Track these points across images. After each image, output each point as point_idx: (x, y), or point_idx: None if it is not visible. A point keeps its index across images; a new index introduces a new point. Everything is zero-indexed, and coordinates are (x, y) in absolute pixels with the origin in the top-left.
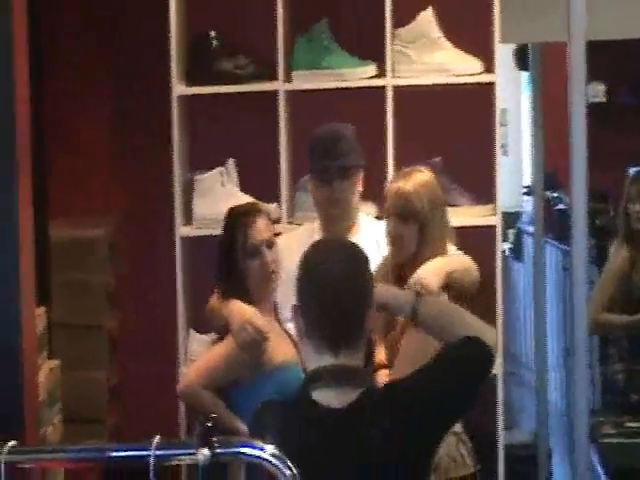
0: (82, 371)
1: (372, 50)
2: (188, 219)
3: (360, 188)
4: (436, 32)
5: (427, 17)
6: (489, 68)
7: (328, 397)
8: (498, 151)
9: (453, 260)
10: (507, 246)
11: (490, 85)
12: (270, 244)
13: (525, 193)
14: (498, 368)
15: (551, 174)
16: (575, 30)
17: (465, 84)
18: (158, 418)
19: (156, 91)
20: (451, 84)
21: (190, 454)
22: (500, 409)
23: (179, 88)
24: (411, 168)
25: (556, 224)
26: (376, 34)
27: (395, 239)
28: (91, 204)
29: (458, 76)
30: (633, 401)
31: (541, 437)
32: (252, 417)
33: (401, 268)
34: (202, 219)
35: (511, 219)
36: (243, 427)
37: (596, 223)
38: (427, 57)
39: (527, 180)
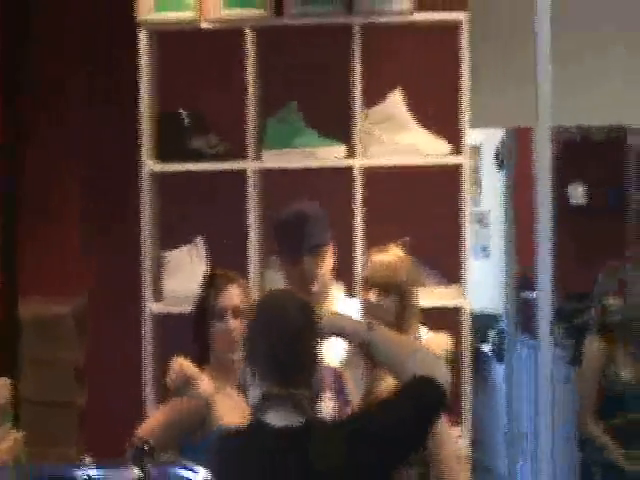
0: (50, 447)
1: (341, 130)
2: (158, 296)
3: (331, 264)
4: (405, 113)
5: (396, 98)
6: (458, 150)
7: (278, 418)
8: (467, 234)
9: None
10: (488, 347)
11: (458, 167)
12: (237, 313)
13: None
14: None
15: (533, 274)
16: (541, 115)
17: (433, 165)
18: None
19: (127, 168)
20: (419, 165)
21: (121, 474)
22: None
23: (150, 165)
24: (387, 245)
25: (536, 325)
26: (346, 114)
27: (375, 309)
28: (61, 281)
29: (427, 157)
30: None
31: None
32: (208, 449)
33: None
34: (172, 296)
35: (492, 321)
36: None
37: (574, 323)
38: (396, 138)
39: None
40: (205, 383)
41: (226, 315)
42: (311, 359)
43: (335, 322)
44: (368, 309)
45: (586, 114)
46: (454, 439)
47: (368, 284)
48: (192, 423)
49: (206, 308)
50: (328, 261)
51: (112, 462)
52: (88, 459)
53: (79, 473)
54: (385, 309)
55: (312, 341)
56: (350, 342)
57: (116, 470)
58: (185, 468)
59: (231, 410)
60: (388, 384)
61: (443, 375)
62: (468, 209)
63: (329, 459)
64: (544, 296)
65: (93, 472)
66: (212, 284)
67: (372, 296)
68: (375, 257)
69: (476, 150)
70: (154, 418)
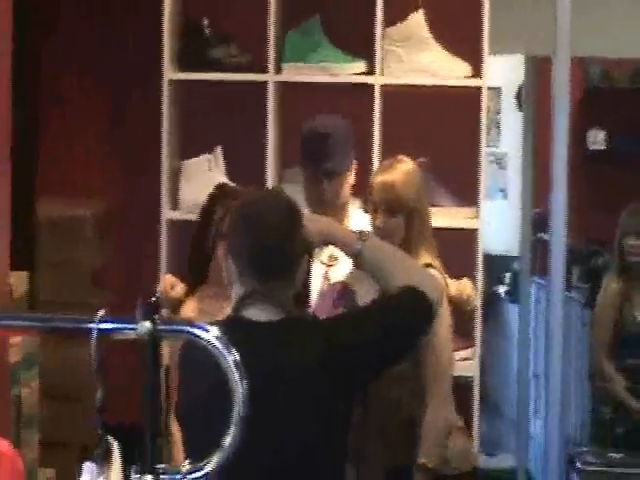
0: (66, 348)
1: (362, 47)
2: (175, 204)
3: (351, 182)
4: (426, 33)
5: (418, 18)
6: (477, 73)
7: (257, 314)
8: (484, 155)
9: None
10: (503, 289)
11: (478, 89)
12: None
13: None
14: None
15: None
16: (560, 43)
17: (453, 87)
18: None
19: (149, 76)
20: (439, 86)
21: (132, 328)
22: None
23: (170, 73)
24: (392, 159)
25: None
26: (367, 32)
27: (383, 232)
28: (81, 184)
29: (446, 78)
30: (618, 434)
31: (521, 463)
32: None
33: None
34: (188, 204)
35: (508, 262)
36: None
37: (591, 266)
38: (416, 57)
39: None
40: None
41: None
42: (293, 256)
43: (325, 229)
44: (376, 232)
45: (609, 46)
46: (450, 353)
47: (373, 207)
48: None
49: (212, 224)
50: (347, 185)
51: (122, 318)
52: (100, 313)
53: (91, 326)
54: (392, 231)
55: (294, 238)
56: (341, 251)
57: (127, 324)
58: (196, 326)
59: None
60: None
61: (432, 287)
62: (485, 133)
63: (305, 355)
64: (557, 237)
65: (104, 325)
66: (221, 201)
67: (378, 219)
68: (376, 179)
69: (497, 92)
70: None
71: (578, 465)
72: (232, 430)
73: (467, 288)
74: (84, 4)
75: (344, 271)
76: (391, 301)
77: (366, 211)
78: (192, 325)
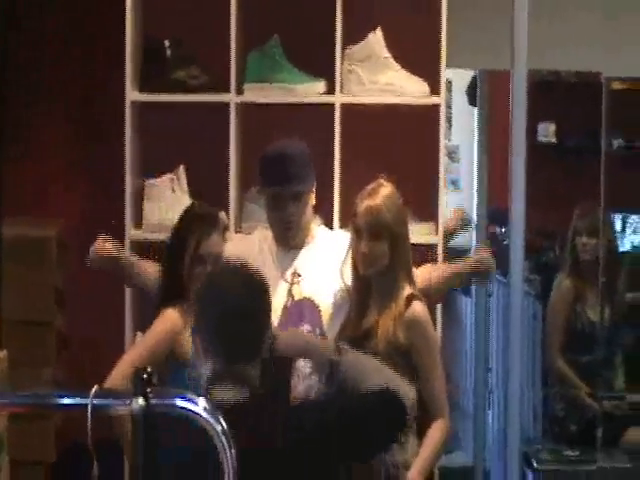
0: (30, 368)
1: (322, 67)
2: (138, 223)
3: (313, 202)
4: (385, 53)
5: (376, 38)
6: (436, 90)
7: (225, 394)
8: (442, 172)
9: None
10: None
11: (436, 107)
12: (217, 259)
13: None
14: None
15: (501, 210)
16: (518, 58)
17: (412, 105)
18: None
19: (111, 98)
20: (398, 104)
21: (125, 404)
22: None
23: (132, 94)
24: (375, 183)
25: (504, 259)
26: (327, 52)
27: (369, 257)
28: (44, 204)
29: (405, 97)
30: (572, 431)
31: (478, 461)
32: None
33: (370, 282)
34: (152, 223)
35: (461, 254)
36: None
37: (542, 259)
38: (376, 77)
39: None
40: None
41: (207, 261)
42: (258, 337)
43: (301, 346)
44: (362, 257)
45: (562, 59)
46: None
47: (358, 232)
48: (163, 354)
49: (184, 252)
50: (310, 205)
51: (115, 393)
52: (94, 389)
53: (85, 402)
54: (377, 255)
55: (259, 318)
56: (316, 363)
57: (119, 400)
58: (184, 398)
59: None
60: (369, 320)
61: (406, 394)
62: (443, 149)
63: (272, 437)
64: (516, 232)
65: (97, 401)
66: (195, 228)
67: (363, 244)
68: (361, 204)
69: (447, 85)
70: (129, 356)
71: (534, 464)
72: None
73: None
74: (49, 25)
75: (308, 288)
76: (367, 396)
77: (330, 228)
78: (183, 397)
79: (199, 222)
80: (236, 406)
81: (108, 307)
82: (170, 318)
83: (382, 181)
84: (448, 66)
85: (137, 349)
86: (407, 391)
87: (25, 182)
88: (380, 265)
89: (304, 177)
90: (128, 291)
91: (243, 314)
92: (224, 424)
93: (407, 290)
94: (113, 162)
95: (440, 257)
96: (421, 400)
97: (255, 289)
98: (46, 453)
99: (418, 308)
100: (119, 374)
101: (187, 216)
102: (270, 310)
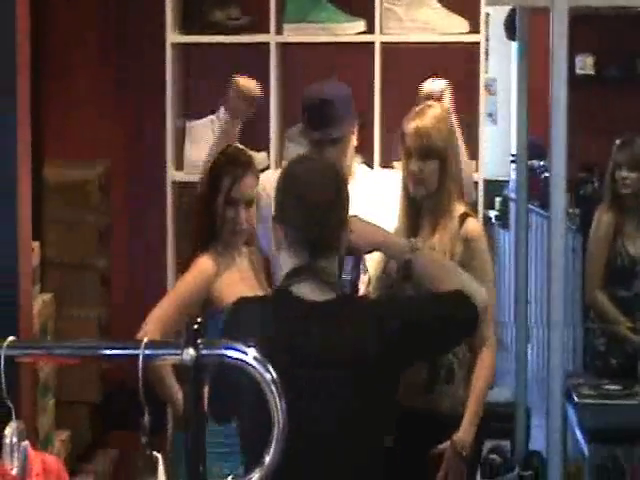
0: (74, 308)
1: (361, 7)
2: (180, 164)
3: (355, 143)
4: None
5: None
6: (475, 28)
7: (307, 291)
8: (482, 109)
9: None
10: (494, 213)
11: (475, 45)
12: (250, 203)
13: (512, 161)
14: None
15: (538, 143)
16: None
17: (451, 43)
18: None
19: (152, 39)
20: (438, 42)
21: (176, 354)
22: None
23: (173, 36)
24: (423, 104)
25: (541, 192)
26: None
27: (418, 178)
28: (86, 146)
29: (445, 34)
30: (613, 365)
31: (520, 396)
32: (227, 313)
33: (420, 204)
34: (193, 165)
35: (498, 187)
36: (179, 398)
37: (581, 192)
38: (415, 15)
39: (515, 149)
40: None
41: (239, 204)
42: (341, 233)
43: (376, 239)
44: (411, 177)
45: None
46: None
47: (407, 153)
48: (197, 304)
49: (217, 195)
50: (351, 147)
51: (166, 344)
52: (145, 340)
53: (137, 352)
54: (427, 175)
55: (343, 209)
56: (391, 258)
57: (170, 350)
58: (235, 349)
59: (233, 289)
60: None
61: (479, 294)
62: (483, 86)
63: (359, 338)
64: (558, 165)
65: (150, 351)
66: (226, 170)
67: (413, 165)
68: (409, 125)
69: (485, 17)
70: (163, 306)
71: (575, 398)
72: (273, 446)
73: None
74: None
75: None
76: (441, 299)
77: (369, 166)
78: (232, 348)
79: (232, 165)
80: (315, 303)
81: (150, 249)
82: (204, 265)
83: (431, 102)
84: (487, 4)
85: (170, 299)
86: (480, 293)
87: (67, 125)
88: (430, 185)
89: (343, 122)
90: (170, 232)
91: (327, 205)
92: (274, 373)
93: (460, 208)
94: (155, 104)
95: (481, 194)
96: None
97: (335, 180)
98: (91, 394)
99: (473, 225)
100: (153, 323)
101: (220, 159)
102: (349, 203)
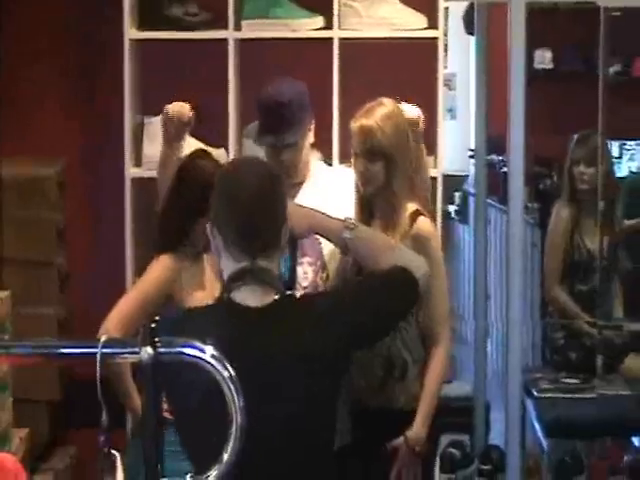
0: (32, 306)
1: (320, 3)
2: (138, 161)
3: (311, 140)
4: None
5: None
6: (434, 24)
7: (247, 296)
8: (441, 104)
9: None
10: (453, 208)
11: (434, 40)
12: None
13: (471, 156)
14: None
15: (497, 138)
16: None
17: (410, 38)
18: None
19: (110, 35)
20: (396, 38)
21: (134, 352)
22: None
23: (131, 32)
24: (374, 102)
25: (500, 187)
26: None
27: (365, 177)
28: (43, 144)
29: (403, 30)
30: (571, 359)
31: (479, 391)
32: (170, 323)
33: (372, 202)
34: (151, 161)
35: (457, 182)
36: (137, 402)
37: (540, 187)
38: (373, 11)
39: (474, 144)
40: None
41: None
42: (281, 229)
43: (310, 221)
44: (358, 177)
45: None
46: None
47: (354, 152)
48: (158, 303)
49: (184, 202)
50: (307, 146)
51: (124, 342)
52: (103, 339)
53: (94, 351)
54: (373, 175)
55: (279, 209)
56: (327, 240)
57: (128, 348)
58: (193, 347)
59: (192, 292)
60: None
61: (418, 267)
62: (442, 82)
63: (298, 339)
64: (516, 159)
65: (106, 350)
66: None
67: (359, 164)
68: (355, 124)
69: (444, 13)
70: (124, 304)
71: (534, 392)
72: (231, 445)
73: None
74: None
75: None
76: (380, 278)
77: (328, 163)
78: (190, 346)
79: (202, 174)
80: (260, 309)
81: (109, 246)
82: (166, 264)
83: (383, 99)
84: None
85: (131, 297)
86: (418, 265)
87: (24, 122)
88: (376, 184)
89: (298, 125)
90: (128, 229)
91: (260, 204)
92: (232, 371)
93: (411, 207)
94: (113, 101)
95: (440, 190)
96: (423, 324)
97: (268, 178)
98: (51, 391)
99: (423, 224)
100: (113, 321)
101: (187, 169)
102: (286, 200)
